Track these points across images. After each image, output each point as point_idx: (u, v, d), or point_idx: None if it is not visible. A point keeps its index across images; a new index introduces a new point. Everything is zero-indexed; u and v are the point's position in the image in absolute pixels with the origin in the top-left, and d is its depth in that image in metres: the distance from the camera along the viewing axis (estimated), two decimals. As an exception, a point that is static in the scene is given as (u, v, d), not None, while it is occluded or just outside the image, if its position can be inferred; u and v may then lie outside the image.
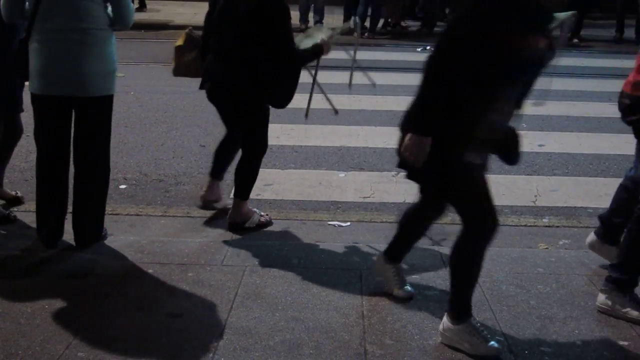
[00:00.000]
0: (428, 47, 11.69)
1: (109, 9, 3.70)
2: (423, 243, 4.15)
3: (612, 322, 3.30)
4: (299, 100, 6.99)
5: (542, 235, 4.36)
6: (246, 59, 3.95)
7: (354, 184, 5.25)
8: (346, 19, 13.34)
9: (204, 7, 4.44)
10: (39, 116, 3.77)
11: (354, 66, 4.82)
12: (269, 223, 4.37)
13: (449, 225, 4.45)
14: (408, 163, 2.88)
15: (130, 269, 3.68)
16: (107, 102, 3.80)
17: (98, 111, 3.77)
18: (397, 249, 3.45)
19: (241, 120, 4.19)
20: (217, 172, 4.52)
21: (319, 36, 4.25)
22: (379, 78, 9.27)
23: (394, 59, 10.57)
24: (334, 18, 13.70)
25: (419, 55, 11.21)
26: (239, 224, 4.25)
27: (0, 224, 4.16)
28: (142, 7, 14.06)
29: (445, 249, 4.05)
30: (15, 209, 4.38)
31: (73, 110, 3.76)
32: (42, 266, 3.69)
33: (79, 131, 3.79)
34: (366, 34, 12.54)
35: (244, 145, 4.25)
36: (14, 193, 4.55)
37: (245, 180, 4.25)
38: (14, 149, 4.44)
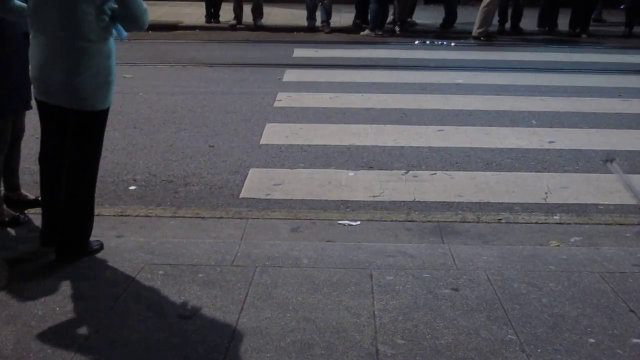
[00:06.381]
0: (442, 43, 11.77)
1: (107, 19, 3.55)
2: (433, 241, 4.16)
3: (625, 319, 3.28)
4: (309, 99, 7.02)
5: (553, 233, 4.33)
6: None
7: (364, 183, 5.24)
8: (358, 16, 13.28)
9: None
10: (40, 118, 3.76)
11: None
12: None
13: (459, 224, 4.46)
14: None
15: (141, 271, 3.68)
16: (91, 117, 3.59)
17: (82, 124, 3.60)
18: None
19: None
20: None
21: None
22: (387, 76, 9.36)
23: (401, 56, 10.54)
24: (342, 17, 13.70)
25: (427, 52, 11.22)
26: None
27: (11, 226, 4.18)
28: None
29: (456, 247, 4.06)
30: (26, 211, 4.39)
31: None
32: (52, 268, 3.69)
33: (65, 140, 3.69)
34: (366, 30, 12.51)
35: None
36: (32, 197, 4.50)
37: None
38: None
